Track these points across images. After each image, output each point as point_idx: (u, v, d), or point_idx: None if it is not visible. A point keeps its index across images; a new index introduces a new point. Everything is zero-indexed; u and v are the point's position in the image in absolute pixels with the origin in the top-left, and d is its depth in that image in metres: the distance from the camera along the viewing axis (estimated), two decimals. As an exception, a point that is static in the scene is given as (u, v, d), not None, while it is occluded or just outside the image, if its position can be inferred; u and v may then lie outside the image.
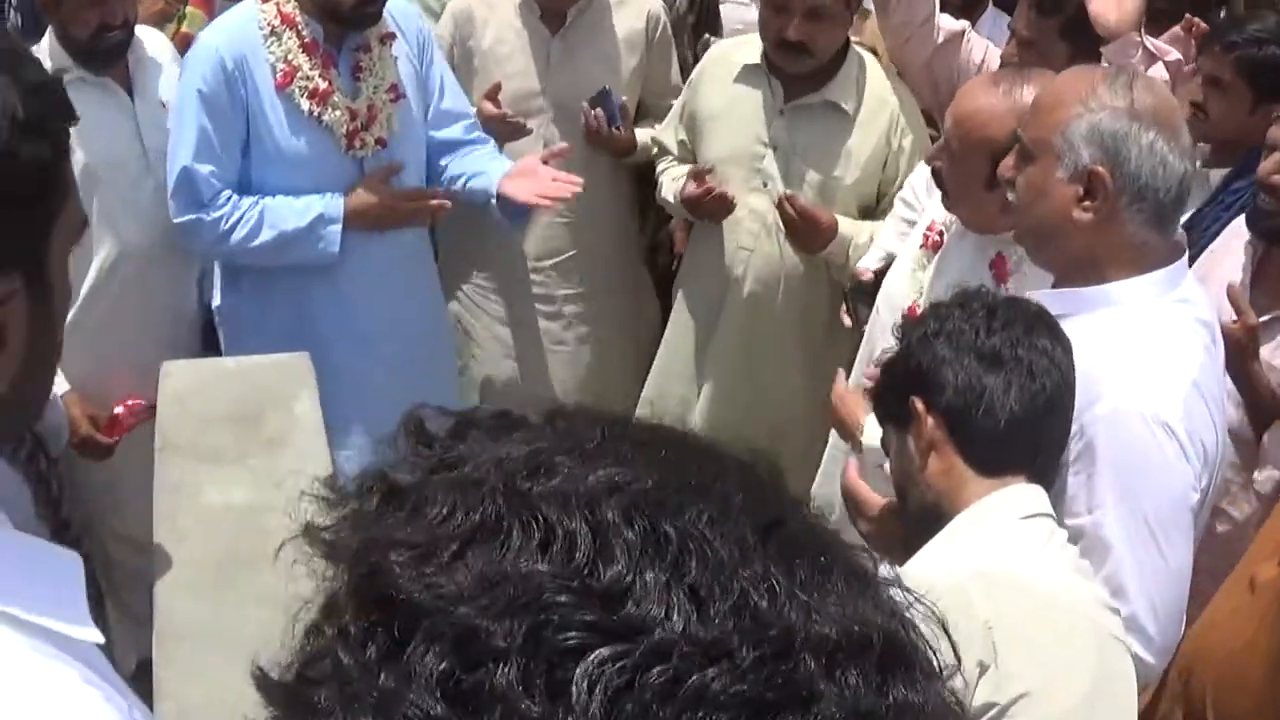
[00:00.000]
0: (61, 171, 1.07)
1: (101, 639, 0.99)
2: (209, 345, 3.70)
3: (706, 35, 4.33)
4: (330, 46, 3.39)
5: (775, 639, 0.62)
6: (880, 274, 3.10)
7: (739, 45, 3.68)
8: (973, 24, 4.12)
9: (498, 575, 0.63)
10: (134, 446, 3.40)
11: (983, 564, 1.85)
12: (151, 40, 3.57)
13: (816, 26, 3.43)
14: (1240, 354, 2.71)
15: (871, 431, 2.51)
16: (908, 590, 0.70)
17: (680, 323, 3.88)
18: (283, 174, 3.41)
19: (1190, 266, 2.34)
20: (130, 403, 3.43)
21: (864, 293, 3.13)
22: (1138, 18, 3.10)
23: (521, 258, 4.02)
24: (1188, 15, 3.97)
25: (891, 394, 2.08)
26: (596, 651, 0.60)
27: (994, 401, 1.94)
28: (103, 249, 3.42)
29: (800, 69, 3.52)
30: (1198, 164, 3.37)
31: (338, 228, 3.42)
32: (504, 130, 3.76)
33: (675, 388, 3.89)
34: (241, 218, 3.37)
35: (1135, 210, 2.19)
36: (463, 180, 3.56)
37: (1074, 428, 2.08)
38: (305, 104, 3.35)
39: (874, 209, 3.58)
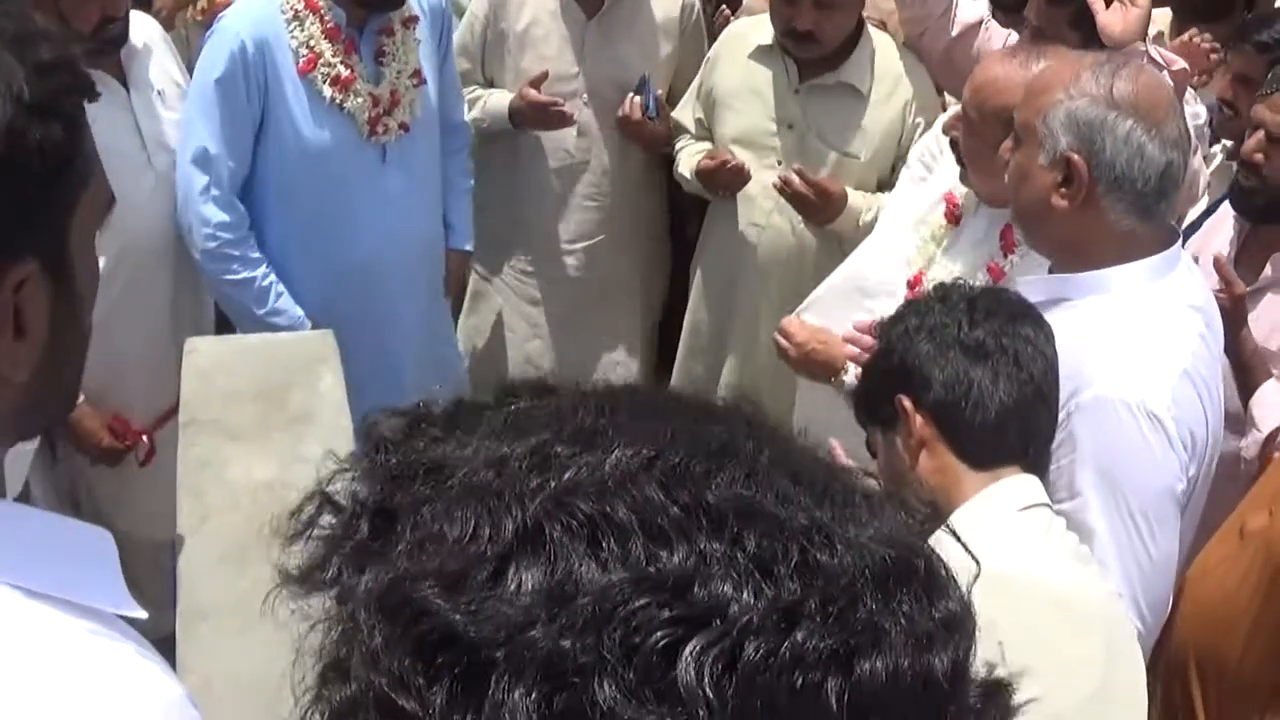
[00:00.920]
0: (79, 151, 1.04)
1: (144, 614, 0.99)
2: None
3: (723, 7, 4.30)
4: (353, 30, 3.37)
5: (844, 589, 0.63)
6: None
7: (755, 25, 3.71)
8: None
9: (559, 588, 0.61)
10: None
11: (985, 564, 1.84)
12: (139, 26, 3.47)
13: (824, 16, 3.46)
14: (1230, 322, 2.70)
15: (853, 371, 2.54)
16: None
17: (699, 301, 3.92)
18: (299, 165, 3.38)
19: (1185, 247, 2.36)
20: (137, 428, 3.42)
21: None
22: (1141, 29, 3.11)
23: (555, 239, 4.05)
24: (1191, 32, 3.93)
25: (875, 395, 2.04)
26: (690, 644, 0.60)
27: (983, 394, 1.92)
28: (106, 245, 3.35)
29: (809, 55, 3.55)
30: (1223, 159, 3.38)
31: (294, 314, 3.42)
32: (546, 119, 3.80)
33: (700, 365, 3.93)
34: (231, 267, 3.37)
35: (1114, 199, 2.19)
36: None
37: (1060, 414, 2.07)
38: (327, 91, 3.34)
39: (888, 186, 3.59)
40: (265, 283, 3.38)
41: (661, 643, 0.60)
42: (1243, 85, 3.38)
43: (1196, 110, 3.57)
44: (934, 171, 3.13)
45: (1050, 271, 2.38)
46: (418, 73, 3.46)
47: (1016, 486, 1.92)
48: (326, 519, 0.69)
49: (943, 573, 0.69)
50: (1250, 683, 2.20)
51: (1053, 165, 2.20)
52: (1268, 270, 2.92)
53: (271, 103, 3.33)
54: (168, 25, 3.94)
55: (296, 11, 3.32)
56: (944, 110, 3.76)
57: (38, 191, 1.00)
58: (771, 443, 0.70)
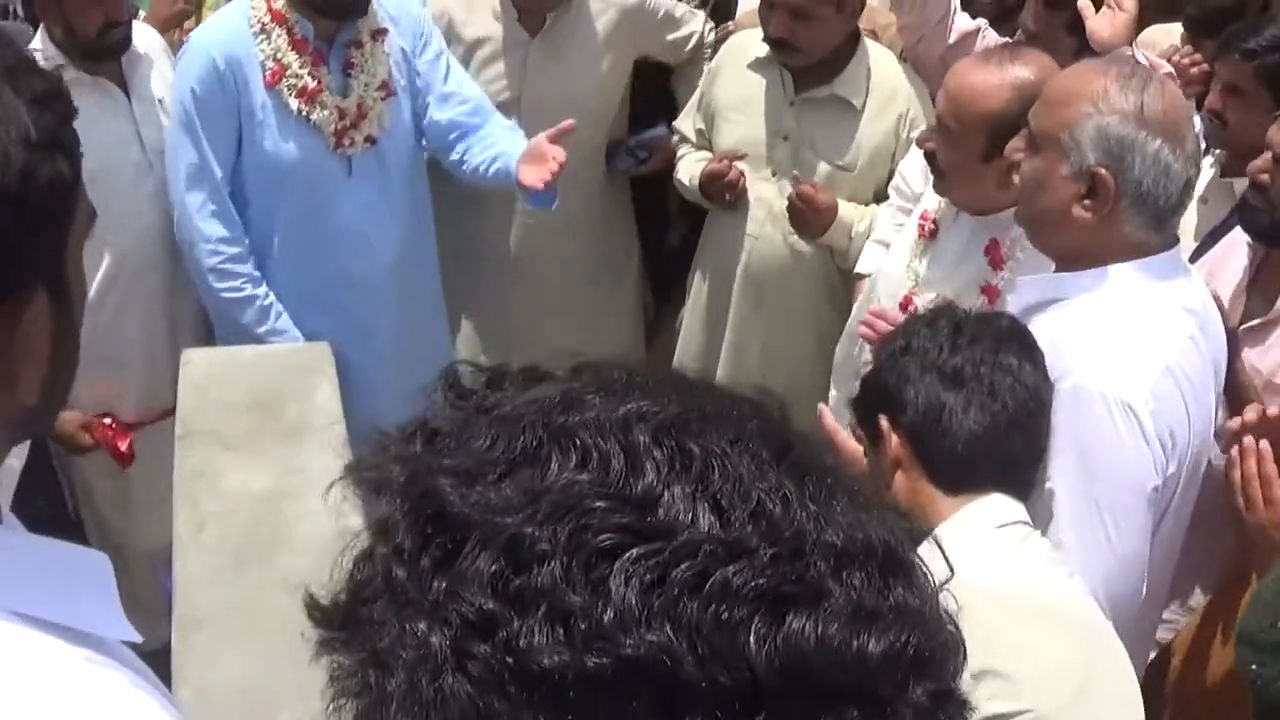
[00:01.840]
0: (79, 179, 1.04)
1: (140, 638, 1.00)
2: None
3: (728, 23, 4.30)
4: (321, 43, 3.40)
5: (789, 540, 0.69)
6: None
7: (754, 37, 3.71)
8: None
9: (541, 489, 0.70)
10: (141, 462, 3.44)
11: (969, 577, 1.86)
12: (141, 35, 3.53)
13: (798, 24, 3.46)
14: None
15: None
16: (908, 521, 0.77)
17: (696, 308, 3.93)
18: (271, 176, 3.41)
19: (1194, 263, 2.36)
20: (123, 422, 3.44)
21: None
22: (1129, 34, 3.14)
23: (513, 259, 4.05)
24: (1175, 46, 3.94)
25: (865, 410, 2.08)
26: (630, 550, 0.68)
27: (953, 420, 1.95)
28: (106, 252, 3.35)
29: (794, 63, 3.56)
30: (1218, 173, 3.38)
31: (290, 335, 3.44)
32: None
33: (693, 370, 3.90)
34: (228, 286, 3.40)
35: (1134, 213, 2.21)
36: (486, 167, 3.55)
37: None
38: (294, 103, 3.37)
39: (883, 199, 3.60)
40: (266, 301, 3.42)
41: (606, 543, 0.68)
42: (1231, 95, 3.38)
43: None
44: (914, 202, 3.16)
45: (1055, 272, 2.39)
46: (385, 85, 3.47)
47: (991, 506, 1.94)
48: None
49: (910, 563, 0.74)
50: None
51: (1076, 177, 2.21)
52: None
53: (244, 115, 3.37)
54: None
55: (264, 24, 3.36)
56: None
57: (49, 225, 1.01)
58: (770, 425, 0.78)
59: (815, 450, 0.78)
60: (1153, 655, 2.53)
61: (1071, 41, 3.52)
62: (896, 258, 3.05)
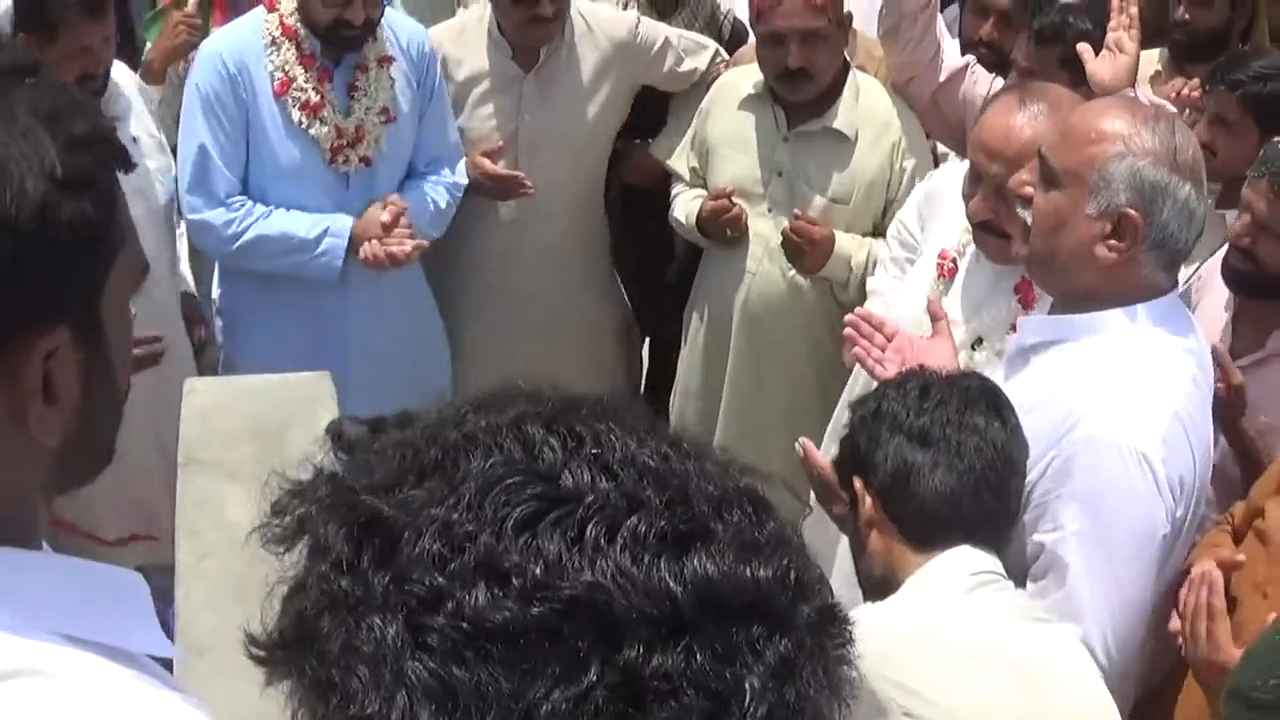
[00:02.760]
0: (112, 223, 1.05)
1: (178, 653, 1.04)
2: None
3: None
4: (328, 61, 3.53)
5: (675, 488, 0.81)
6: None
7: (745, 75, 3.75)
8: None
9: (457, 481, 0.80)
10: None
11: (892, 625, 1.91)
12: (117, 75, 3.58)
13: (813, 50, 3.50)
14: (1228, 411, 2.70)
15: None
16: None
17: (694, 344, 3.95)
18: (275, 180, 3.56)
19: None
20: None
21: None
22: (1130, 76, 3.15)
23: (503, 292, 4.07)
24: (1176, 82, 3.96)
25: (843, 471, 2.14)
26: (549, 514, 0.78)
27: (921, 480, 1.99)
28: None
29: (804, 96, 3.59)
30: (1213, 204, 3.41)
31: (341, 243, 3.54)
32: (506, 190, 3.86)
33: (692, 409, 3.96)
34: (254, 221, 3.52)
35: (1154, 255, 2.22)
36: None
37: (1052, 451, 2.11)
38: (296, 114, 3.51)
39: (881, 231, 3.61)
40: (271, 213, 3.56)
41: (526, 511, 0.78)
42: (1219, 126, 3.41)
43: None
44: (918, 252, 3.13)
45: (1051, 311, 2.40)
46: (386, 110, 3.58)
47: (956, 557, 1.99)
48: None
49: (772, 504, 0.85)
50: None
51: (1102, 216, 2.19)
52: (1271, 343, 2.90)
53: (251, 119, 3.51)
54: (159, 77, 4.03)
55: (274, 37, 3.50)
56: (933, 154, 3.81)
57: (69, 265, 1.01)
58: (636, 410, 0.89)
59: (687, 436, 0.89)
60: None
61: (1065, 76, 3.50)
62: (912, 301, 2.97)
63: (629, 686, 0.75)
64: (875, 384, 2.74)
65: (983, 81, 3.67)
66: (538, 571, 0.76)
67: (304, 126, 3.52)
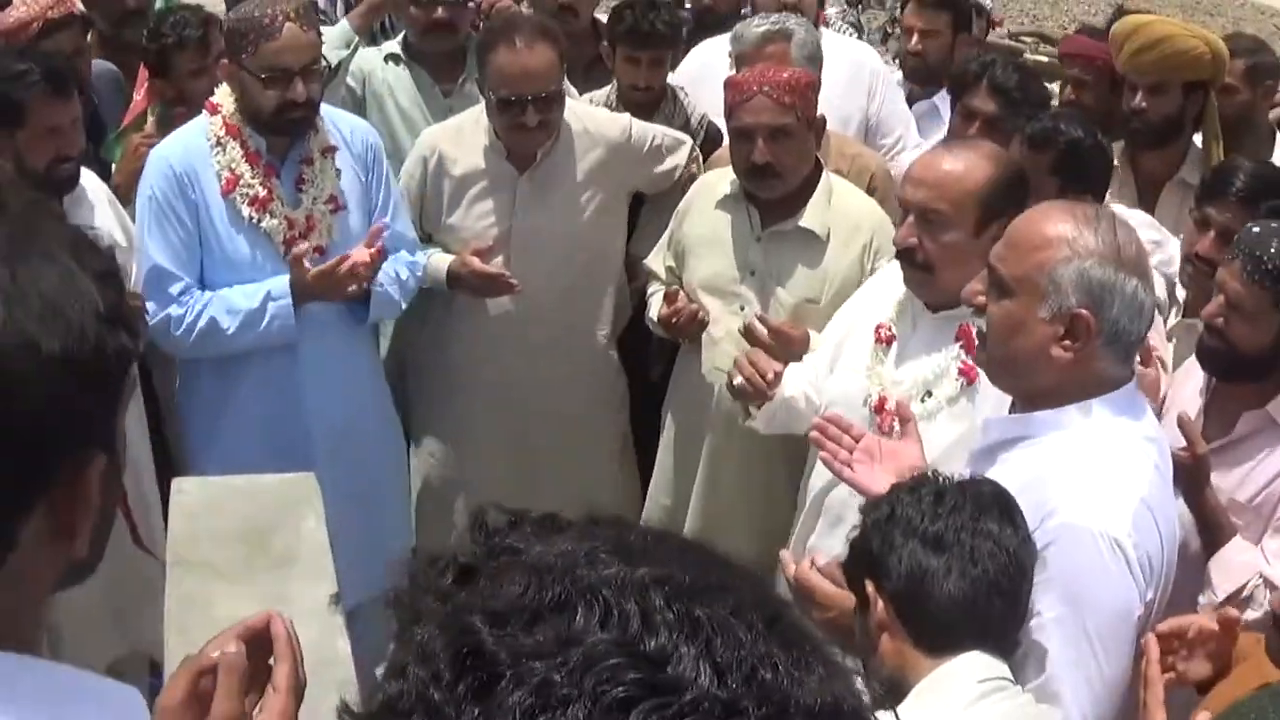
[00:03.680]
0: (138, 350, 1.09)
1: None
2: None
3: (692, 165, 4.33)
4: (274, 158, 3.64)
5: (775, 703, 0.80)
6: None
7: (722, 176, 3.82)
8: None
9: (568, 639, 0.80)
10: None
11: None
12: (86, 179, 3.63)
13: (780, 147, 3.56)
14: (1191, 480, 2.79)
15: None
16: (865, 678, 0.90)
17: (668, 444, 3.98)
18: (230, 276, 3.62)
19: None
20: None
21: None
22: (1155, 395, 3.15)
23: (495, 390, 4.12)
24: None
25: (854, 573, 2.16)
26: (644, 702, 0.78)
27: (934, 586, 2.01)
28: None
29: (771, 193, 3.65)
30: (1181, 314, 3.49)
31: (286, 301, 3.60)
32: (491, 287, 3.93)
33: (659, 509, 4.00)
34: (203, 309, 3.58)
35: (1108, 350, 2.30)
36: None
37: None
38: (246, 210, 3.60)
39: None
40: (216, 297, 3.63)
41: (623, 694, 0.78)
42: (1226, 240, 3.27)
43: (1169, 255, 3.66)
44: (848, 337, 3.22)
45: (1012, 410, 2.46)
46: (334, 198, 3.68)
47: (965, 663, 2.00)
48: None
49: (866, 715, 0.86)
50: None
51: (1055, 319, 2.27)
52: (1239, 427, 2.95)
53: (202, 219, 3.59)
54: (126, 198, 4.03)
55: (218, 137, 3.60)
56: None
57: (115, 394, 1.08)
58: (763, 594, 0.89)
59: (799, 618, 0.89)
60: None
61: (1055, 182, 3.59)
62: (849, 377, 3.09)
63: None
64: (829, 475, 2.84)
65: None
66: None
67: (255, 221, 3.61)
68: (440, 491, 4.24)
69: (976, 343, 2.51)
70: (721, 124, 3.96)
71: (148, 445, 3.76)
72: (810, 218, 3.68)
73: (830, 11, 6.33)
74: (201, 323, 3.61)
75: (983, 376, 2.78)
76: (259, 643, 1.45)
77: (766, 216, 3.71)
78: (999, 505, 2.09)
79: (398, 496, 4.11)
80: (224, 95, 3.66)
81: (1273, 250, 2.82)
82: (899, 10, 6.13)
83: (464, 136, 4.03)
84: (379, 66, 4.43)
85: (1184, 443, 2.83)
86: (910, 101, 5.03)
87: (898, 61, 5.51)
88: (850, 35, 6.04)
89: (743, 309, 3.71)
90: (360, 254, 3.60)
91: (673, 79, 4.56)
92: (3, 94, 3.36)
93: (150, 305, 3.59)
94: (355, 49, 4.43)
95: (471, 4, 4.67)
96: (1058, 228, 2.30)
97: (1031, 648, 2.16)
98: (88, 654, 3.45)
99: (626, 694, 0.78)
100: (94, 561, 1.15)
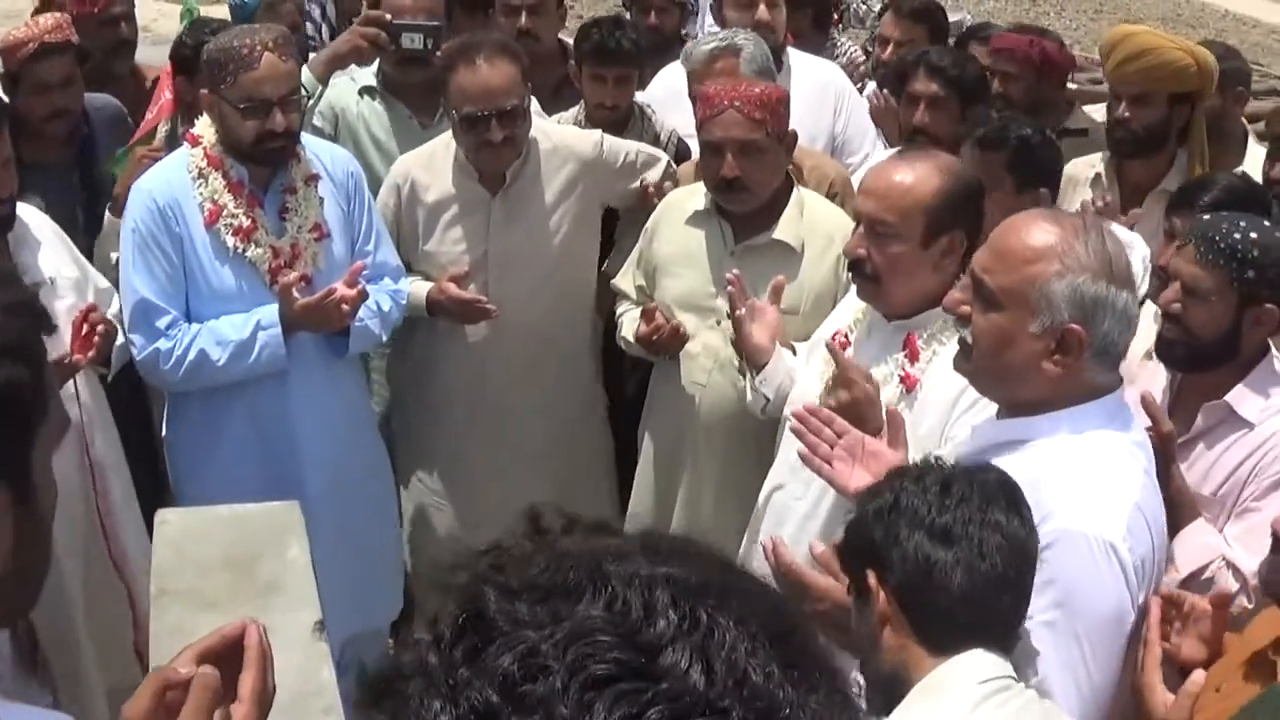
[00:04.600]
0: (42, 386, 1.07)
1: None
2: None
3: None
4: (256, 188, 3.64)
5: (761, 710, 0.80)
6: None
7: (690, 193, 3.84)
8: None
9: (563, 615, 0.82)
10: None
11: None
12: (29, 216, 3.61)
13: (750, 161, 3.58)
14: (1158, 458, 2.77)
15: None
16: None
17: (648, 460, 3.98)
18: (216, 307, 3.62)
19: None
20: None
21: None
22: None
23: (476, 412, 4.14)
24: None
25: (850, 566, 2.09)
26: (620, 683, 0.79)
27: (941, 580, 1.95)
28: None
29: (741, 207, 3.67)
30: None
31: (276, 330, 3.61)
32: (468, 313, 3.94)
33: (645, 523, 3.96)
34: (191, 341, 3.58)
35: (1098, 361, 2.32)
36: None
37: None
38: (230, 240, 3.60)
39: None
40: (205, 329, 3.62)
41: (601, 671, 0.79)
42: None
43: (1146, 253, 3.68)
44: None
45: (999, 414, 2.47)
46: (318, 226, 3.69)
47: (972, 663, 1.96)
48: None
49: None
50: None
51: (1046, 333, 2.28)
52: (1199, 420, 2.96)
53: (187, 252, 3.59)
54: (122, 213, 4.00)
55: (200, 169, 3.61)
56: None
57: (5, 428, 1.05)
58: (780, 611, 0.89)
59: (814, 642, 0.90)
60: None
61: (1011, 179, 3.70)
62: (808, 384, 3.12)
63: None
64: (791, 467, 2.88)
65: None
66: None
67: (240, 251, 3.61)
68: (430, 517, 4.26)
69: (959, 351, 2.49)
70: (692, 143, 3.98)
71: (126, 474, 3.76)
72: (784, 230, 3.70)
73: (843, 40, 6.34)
74: (191, 355, 3.61)
75: (922, 386, 2.85)
76: (232, 657, 1.45)
77: (739, 231, 3.72)
78: (1006, 495, 2.04)
79: (388, 524, 4.12)
80: (204, 126, 3.68)
81: (1224, 229, 2.86)
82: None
83: (435, 162, 4.05)
84: (353, 101, 4.42)
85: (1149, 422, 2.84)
86: None
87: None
88: (859, 57, 6.04)
89: (719, 323, 3.71)
90: (346, 292, 3.60)
91: (640, 98, 4.58)
92: None
93: (137, 339, 3.60)
94: (319, 96, 4.38)
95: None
96: (1047, 240, 2.30)
97: (1025, 650, 2.16)
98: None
99: (606, 671, 0.79)
100: (25, 605, 1.14)
